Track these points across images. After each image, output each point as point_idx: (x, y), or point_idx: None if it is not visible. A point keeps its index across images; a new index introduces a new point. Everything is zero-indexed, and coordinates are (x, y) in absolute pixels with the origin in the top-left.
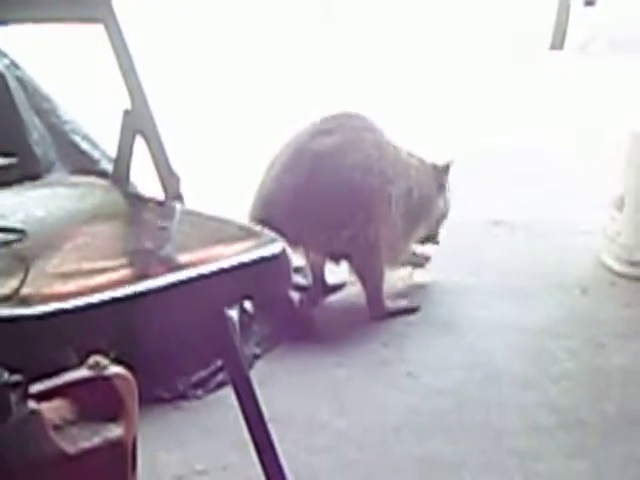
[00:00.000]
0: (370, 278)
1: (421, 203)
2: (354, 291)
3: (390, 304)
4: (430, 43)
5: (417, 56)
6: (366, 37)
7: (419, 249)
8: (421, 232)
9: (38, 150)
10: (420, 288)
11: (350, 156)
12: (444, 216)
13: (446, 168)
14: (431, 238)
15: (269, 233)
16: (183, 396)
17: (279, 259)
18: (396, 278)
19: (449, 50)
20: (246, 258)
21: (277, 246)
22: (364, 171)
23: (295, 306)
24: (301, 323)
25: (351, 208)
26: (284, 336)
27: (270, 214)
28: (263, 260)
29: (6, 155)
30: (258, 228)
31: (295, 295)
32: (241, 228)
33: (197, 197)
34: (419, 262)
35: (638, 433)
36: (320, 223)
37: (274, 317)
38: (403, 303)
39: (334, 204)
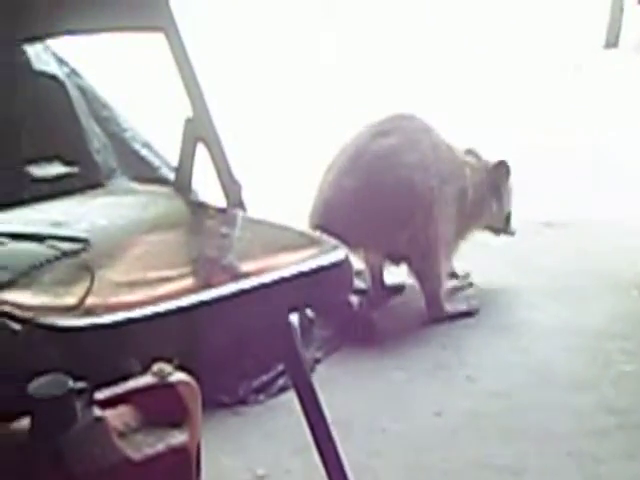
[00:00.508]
0: (429, 280)
1: (474, 204)
2: (413, 294)
3: (449, 307)
4: (468, 39)
5: (453, 52)
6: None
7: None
8: (471, 234)
9: (99, 158)
10: (476, 291)
11: (408, 156)
12: (505, 217)
13: (501, 167)
14: (503, 230)
15: (331, 240)
16: (244, 401)
17: (341, 267)
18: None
19: (492, 48)
20: (308, 266)
21: (339, 253)
22: (422, 171)
23: (355, 310)
24: (361, 326)
25: (411, 208)
26: (344, 340)
27: (330, 218)
28: (325, 268)
29: (68, 163)
30: (320, 235)
31: (354, 298)
32: (303, 235)
33: (258, 204)
34: (462, 287)
35: None
36: (380, 224)
37: (334, 321)
38: (462, 306)
39: (394, 205)
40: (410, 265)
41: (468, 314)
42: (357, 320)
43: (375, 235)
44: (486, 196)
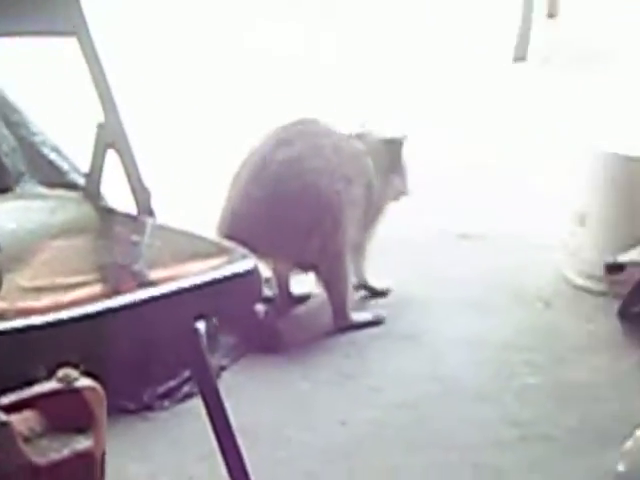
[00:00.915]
0: (336, 288)
1: (380, 190)
2: (318, 302)
3: (355, 315)
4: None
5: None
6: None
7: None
8: (382, 218)
9: (8, 162)
10: (382, 300)
11: (313, 163)
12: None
13: (398, 142)
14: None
15: (241, 249)
16: (150, 407)
17: (250, 275)
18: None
19: (413, 57)
20: (217, 275)
21: (248, 262)
22: (328, 177)
23: (260, 317)
24: (266, 335)
25: (319, 216)
26: (250, 347)
27: (238, 228)
28: (234, 277)
29: None
30: (230, 244)
31: (260, 306)
32: (213, 244)
33: (168, 212)
34: (379, 292)
35: (600, 448)
36: (289, 234)
37: (239, 328)
38: (368, 315)
39: (302, 213)
40: (318, 273)
41: (374, 323)
42: (263, 328)
43: (284, 244)
44: (389, 175)
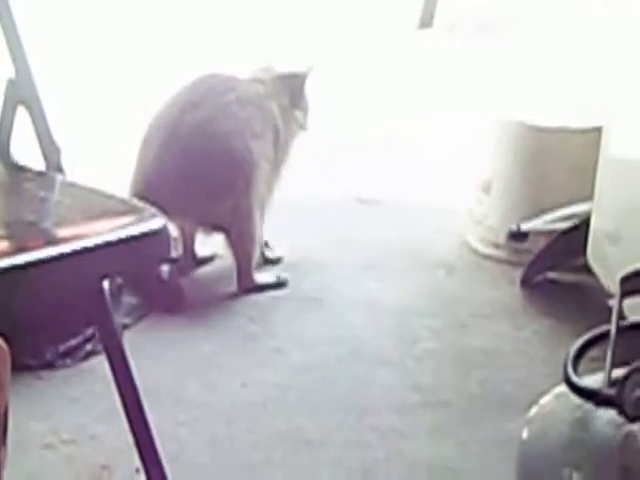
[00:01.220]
0: (244, 248)
1: (285, 130)
2: (223, 264)
3: (259, 277)
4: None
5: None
6: None
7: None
8: (288, 158)
9: None
10: (286, 264)
11: (222, 125)
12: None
13: (300, 76)
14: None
15: (150, 208)
16: (51, 365)
17: (159, 235)
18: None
19: (320, 22)
20: (126, 233)
21: (158, 221)
22: (238, 136)
23: (164, 278)
24: (170, 295)
25: (232, 177)
26: (153, 308)
27: (150, 191)
28: (143, 236)
29: None
30: (140, 203)
31: (165, 267)
32: (122, 202)
33: (78, 170)
34: (272, 260)
35: (501, 414)
36: (202, 196)
37: (143, 288)
38: (271, 277)
39: (215, 175)
40: (227, 234)
41: (278, 285)
42: (166, 288)
43: (196, 207)
44: (291, 112)
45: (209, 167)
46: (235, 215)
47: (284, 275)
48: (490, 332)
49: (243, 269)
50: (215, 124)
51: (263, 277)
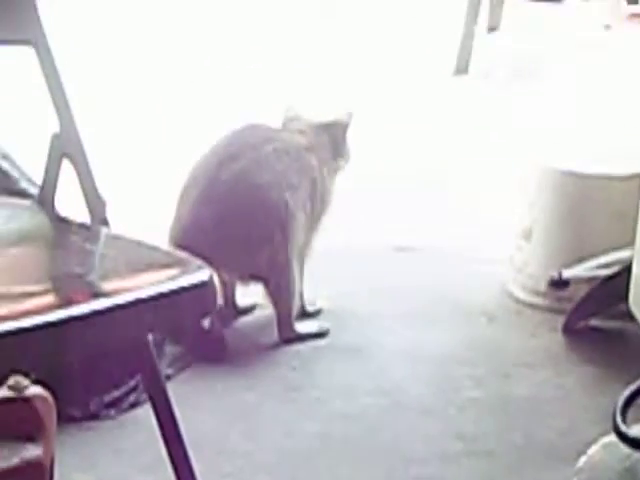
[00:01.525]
0: (283, 299)
1: (324, 187)
2: (264, 313)
3: (299, 327)
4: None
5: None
6: None
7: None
8: (329, 208)
9: None
10: (327, 313)
11: (259, 177)
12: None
13: (342, 124)
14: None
15: (196, 260)
16: (95, 416)
17: (206, 287)
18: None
19: (357, 68)
20: (172, 286)
21: (204, 273)
22: (274, 188)
23: (206, 328)
24: (212, 345)
25: (269, 229)
26: (195, 358)
27: (188, 240)
28: (190, 288)
29: None
30: (184, 255)
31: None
32: (167, 254)
33: (122, 221)
34: (311, 313)
35: (545, 463)
36: (239, 248)
37: (186, 338)
38: (312, 326)
39: (252, 228)
40: (266, 285)
41: (319, 335)
42: (208, 338)
43: (234, 259)
44: (332, 163)
45: (245, 219)
46: (272, 266)
47: (325, 325)
48: (533, 380)
49: (283, 319)
50: (251, 176)
51: (304, 327)
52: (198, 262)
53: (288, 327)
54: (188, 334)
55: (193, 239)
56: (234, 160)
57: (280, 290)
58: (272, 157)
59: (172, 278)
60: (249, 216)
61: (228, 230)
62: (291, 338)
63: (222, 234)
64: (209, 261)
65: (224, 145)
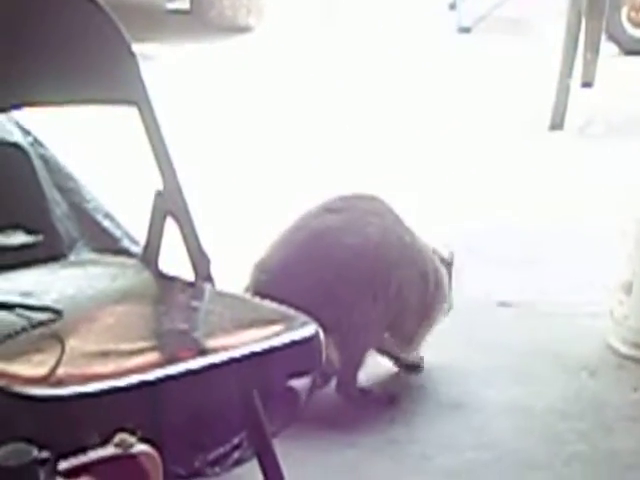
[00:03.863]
0: (347, 360)
1: (438, 288)
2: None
3: (363, 387)
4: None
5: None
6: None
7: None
8: (439, 318)
9: (61, 228)
10: (426, 367)
11: (346, 237)
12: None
13: (448, 263)
14: None
15: (301, 316)
16: (200, 473)
17: (312, 342)
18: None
19: (452, 124)
20: (278, 342)
21: (309, 329)
22: (357, 254)
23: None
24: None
25: (336, 288)
26: (299, 414)
27: (264, 288)
28: (295, 344)
29: (30, 232)
30: (290, 311)
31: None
32: (272, 310)
33: (226, 277)
34: (412, 366)
35: None
36: (304, 300)
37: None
38: (376, 390)
39: (321, 282)
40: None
41: (384, 400)
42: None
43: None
44: (446, 284)
45: (315, 272)
46: (339, 325)
47: (393, 390)
48: (637, 434)
49: (345, 376)
50: (339, 234)
51: (369, 388)
52: (303, 318)
53: (349, 383)
54: (296, 390)
55: (269, 282)
56: (334, 213)
57: (344, 350)
58: (373, 228)
59: (277, 334)
60: (319, 270)
61: (295, 280)
62: (351, 395)
63: (290, 280)
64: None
65: (333, 200)
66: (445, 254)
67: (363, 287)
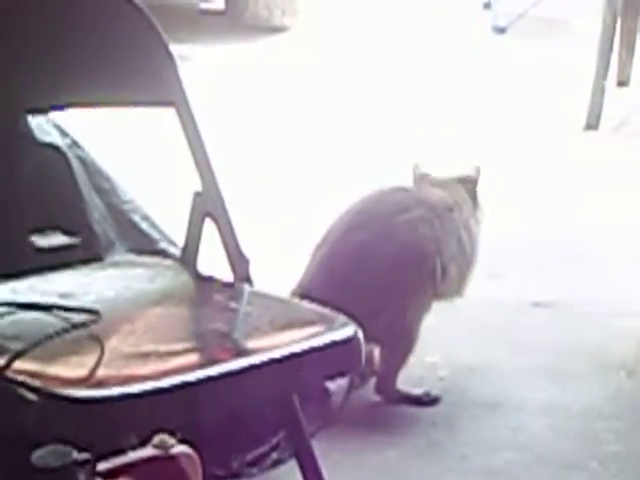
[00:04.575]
0: (393, 361)
1: (471, 239)
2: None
3: (403, 389)
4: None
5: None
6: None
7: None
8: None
9: (98, 229)
10: (464, 368)
11: (380, 249)
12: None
13: (473, 180)
14: None
15: (341, 317)
16: (238, 474)
17: (352, 342)
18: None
19: (488, 123)
20: (318, 342)
21: (349, 329)
22: (396, 261)
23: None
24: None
25: (386, 297)
26: (336, 415)
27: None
28: (335, 344)
29: (68, 234)
30: (328, 311)
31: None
32: (311, 311)
33: (265, 278)
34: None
35: None
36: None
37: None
38: (419, 391)
39: (369, 294)
40: (381, 348)
41: (424, 402)
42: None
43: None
44: (473, 215)
45: (363, 289)
46: (388, 332)
47: (434, 392)
48: None
49: (385, 379)
50: (375, 248)
51: (409, 389)
52: (343, 318)
53: (389, 386)
54: (333, 391)
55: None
56: (361, 229)
57: (390, 356)
58: (405, 229)
59: (317, 335)
60: (366, 285)
61: (344, 297)
62: (392, 398)
63: (338, 299)
64: None
65: (354, 212)
66: (471, 172)
67: (410, 288)
